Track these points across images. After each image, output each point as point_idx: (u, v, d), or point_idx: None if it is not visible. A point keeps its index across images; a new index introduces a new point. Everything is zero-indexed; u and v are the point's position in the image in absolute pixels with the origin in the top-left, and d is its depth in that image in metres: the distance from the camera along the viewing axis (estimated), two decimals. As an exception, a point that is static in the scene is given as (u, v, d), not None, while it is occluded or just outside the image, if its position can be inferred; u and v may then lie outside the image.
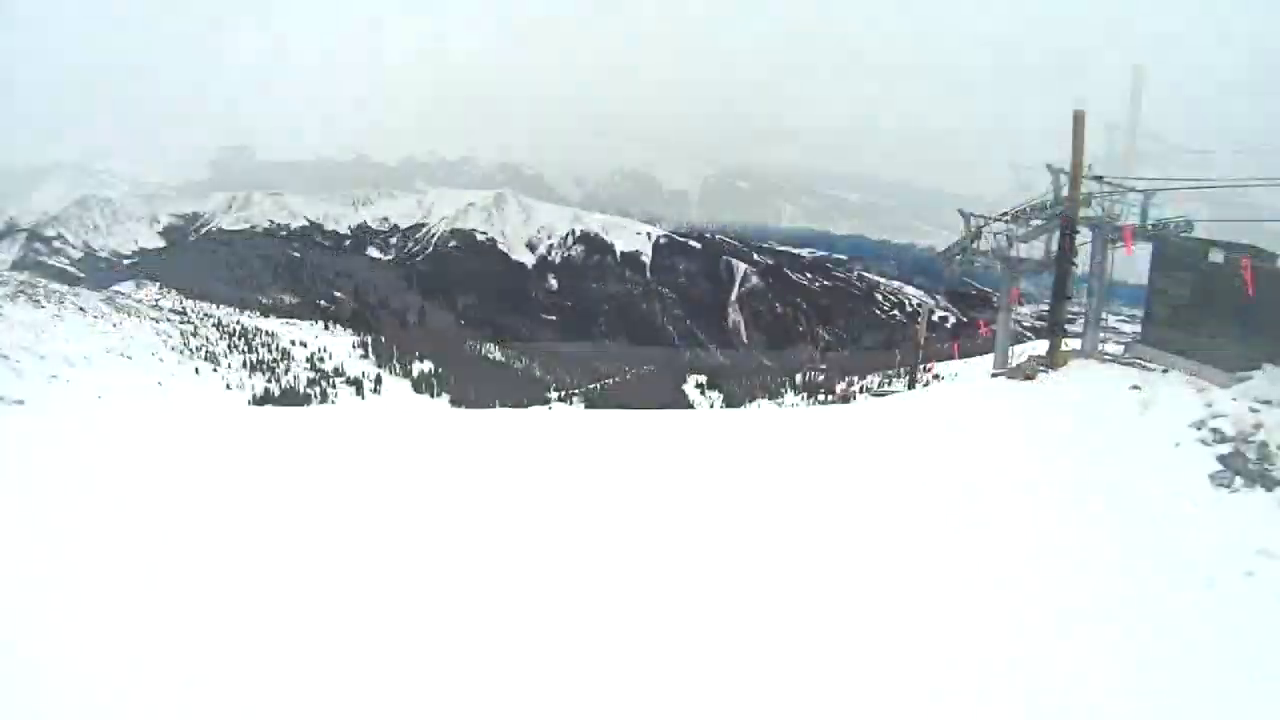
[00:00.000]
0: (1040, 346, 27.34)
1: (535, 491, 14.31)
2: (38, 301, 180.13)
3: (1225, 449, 13.61)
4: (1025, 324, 29.83)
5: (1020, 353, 29.04)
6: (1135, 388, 17.52)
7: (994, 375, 22.64)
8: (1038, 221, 25.79)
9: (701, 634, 8.50)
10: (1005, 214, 27.21)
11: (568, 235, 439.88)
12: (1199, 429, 14.60)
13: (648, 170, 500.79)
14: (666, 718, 7.01)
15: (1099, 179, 22.81)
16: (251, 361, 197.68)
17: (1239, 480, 12.69)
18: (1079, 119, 21.54)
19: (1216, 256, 19.19)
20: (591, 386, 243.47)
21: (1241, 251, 18.96)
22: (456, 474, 15.94)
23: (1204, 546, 11.04)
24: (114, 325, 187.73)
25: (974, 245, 27.86)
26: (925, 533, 12.16)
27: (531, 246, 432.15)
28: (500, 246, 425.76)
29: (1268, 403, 15.15)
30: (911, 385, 38.70)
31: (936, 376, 45.53)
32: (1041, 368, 21.43)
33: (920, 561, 10.96)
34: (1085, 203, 23.18)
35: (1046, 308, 27.39)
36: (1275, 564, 10.25)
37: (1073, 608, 9.54)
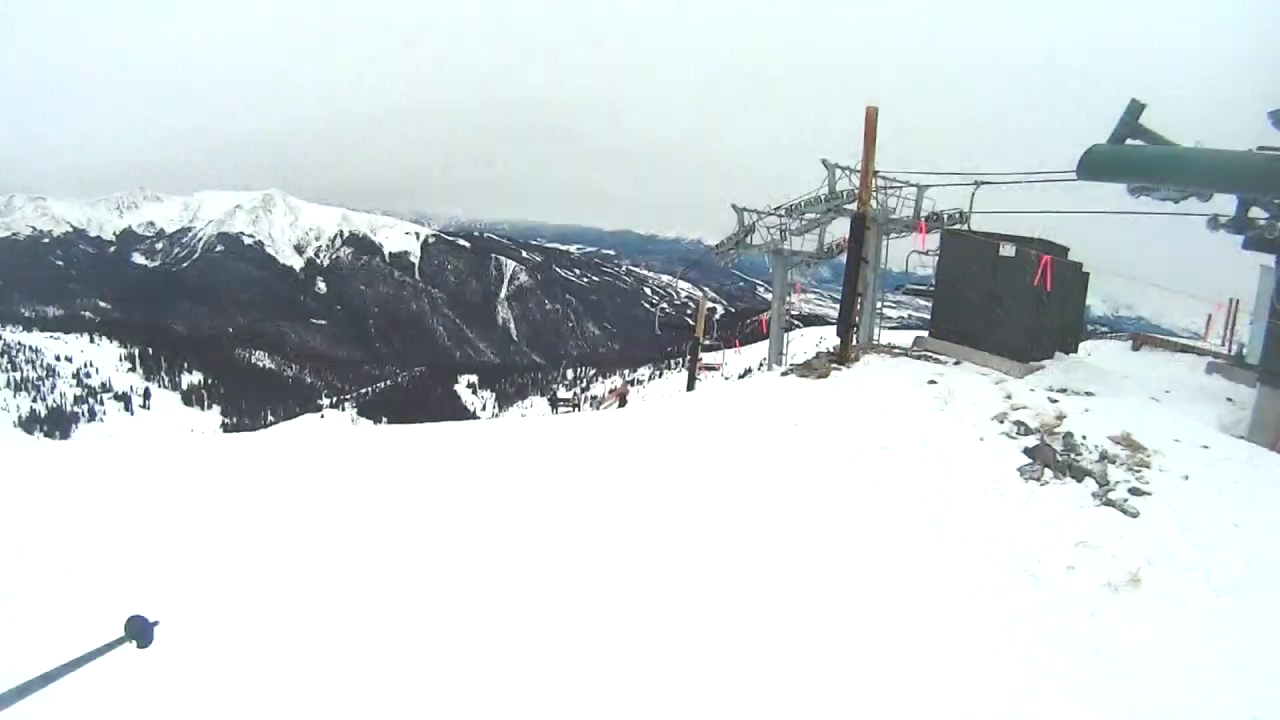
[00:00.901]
0: (809, 336, 27.77)
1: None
2: None
3: (1031, 441, 13.74)
4: (794, 313, 30.25)
5: (789, 341, 29.39)
6: (932, 382, 17.63)
7: (785, 373, 22.32)
8: (812, 215, 26.19)
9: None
10: (779, 208, 27.56)
11: (336, 237, 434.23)
12: (1001, 422, 14.77)
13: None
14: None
15: (876, 174, 23.00)
16: (15, 381, 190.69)
17: (1048, 472, 12.72)
18: (871, 116, 21.49)
19: (1008, 250, 19.76)
20: (363, 392, 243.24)
21: (1030, 245, 19.68)
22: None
23: (1023, 542, 11.00)
24: None
25: (747, 239, 28.14)
26: (735, 544, 11.84)
27: (300, 249, 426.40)
28: (268, 250, 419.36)
29: (1064, 390, 16.00)
30: (691, 384, 38.56)
31: (708, 368, 45.63)
32: (834, 364, 21.16)
33: (731, 573, 10.81)
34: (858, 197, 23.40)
35: (819, 298, 27.92)
36: (1096, 554, 10.29)
37: (896, 614, 9.59)
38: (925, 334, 22.16)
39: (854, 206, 23.88)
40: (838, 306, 23.18)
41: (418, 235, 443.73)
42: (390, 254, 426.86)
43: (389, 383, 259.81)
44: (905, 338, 23.16)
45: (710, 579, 10.54)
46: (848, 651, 8.72)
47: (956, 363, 19.25)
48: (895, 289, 25.91)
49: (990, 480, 12.85)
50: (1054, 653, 8.69)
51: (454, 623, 9.50)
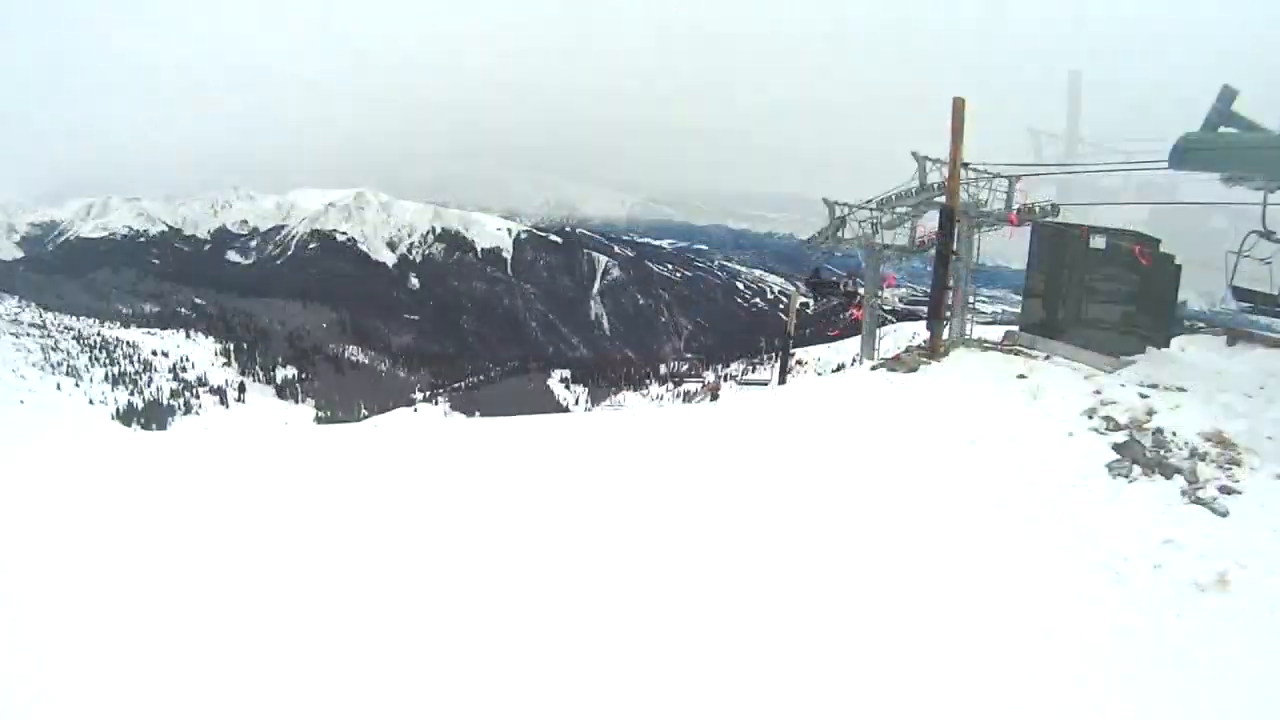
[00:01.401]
0: (903, 331, 27.47)
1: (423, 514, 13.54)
2: None
3: (1120, 437, 13.42)
4: (887, 308, 29.85)
5: (882, 335, 29.06)
6: (1021, 376, 17.41)
7: (874, 367, 22.12)
8: (903, 209, 25.91)
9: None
10: (870, 201, 27.27)
11: (428, 233, 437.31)
12: (1090, 417, 14.48)
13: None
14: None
15: (966, 165, 22.77)
16: (113, 375, 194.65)
17: (1137, 469, 12.40)
18: (958, 106, 21.31)
19: (1098, 243, 19.32)
20: (456, 386, 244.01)
21: (1121, 237, 19.16)
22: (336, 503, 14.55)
23: (1109, 540, 10.74)
24: None
25: (838, 234, 27.88)
26: (822, 531, 11.86)
27: (392, 245, 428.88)
28: (361, 246, 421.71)
29: (1155, 386, 15.20)
30: (783, 377, 38.42)
31: (800, 362, 45.44)
32: (923, 358, 21.08)
33: (816, 561, 10.75)
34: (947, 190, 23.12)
35: (911, 292, 27.52)
36: (1182, 555, 10.04)
37: (981, 608, 9.41)
38: (1015, 328, 21.53)
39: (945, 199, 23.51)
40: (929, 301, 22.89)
41: (509, 230, 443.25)
42: (482, 250, 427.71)
43: (481, 378, 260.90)
44: (998, 333, 22.49)
45: (792, 572, 10.35)
46: (925, 646, 8.48)
47: (1046, 357, 18.72)
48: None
49: (1078, 476, 12.62)
50: (1137, 653, 8.39)
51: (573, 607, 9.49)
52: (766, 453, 16.41)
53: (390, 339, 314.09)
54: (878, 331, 28.45)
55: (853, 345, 40.70)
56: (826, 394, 21.15)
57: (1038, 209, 22.34)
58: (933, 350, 21.51)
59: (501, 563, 10.92)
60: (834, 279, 31.42)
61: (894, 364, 21.40)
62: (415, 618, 9.12)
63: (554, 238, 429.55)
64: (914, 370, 20.42)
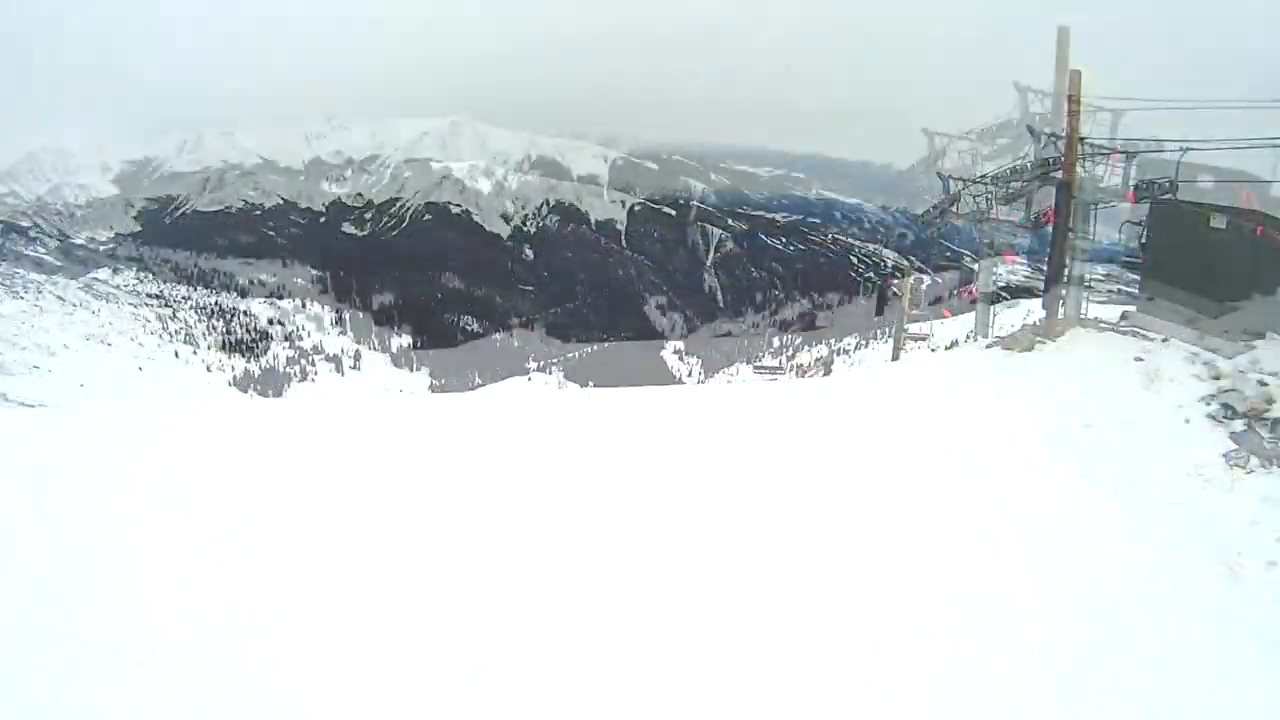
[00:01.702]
0: (1019, 309, 27.30)
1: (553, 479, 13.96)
2: (16, 293, 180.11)
3: (1238, 425, 13.33)
4: (1001, 284, 29.43)
5: (997, 313, 28.81)
6: (1138, 359, 17.13)
7: (988, 346, 22.16)
8: (1018, 184, 25.64)
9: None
10: (970, 132, 27.09)
11: (523, 160, 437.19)
12: (1208, 404, 14.33)
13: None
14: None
15: (1082, 140, 22.20)
16: (230, 343, 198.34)
17: (1254, 460, 12.27)
18: (1076, 81, 21.19)
19: (1219, 222, 18.60)
20: (570, 356, 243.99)
21: (1243, 216, 18.70)
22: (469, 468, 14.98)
23: (1223, 534, 10.70)
24: (93, 313, 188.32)
25: (953, 208, 27.80)
26: (941, 511, 12.13)
27: (488, 174, 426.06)
28: (456, 175, 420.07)
29: (1275, 374, 14.74)
30: (896, 354, 38.60)
31: (915, 338, 45.10)
32: (1038, 338, 21.11)
33: (941, 543, 11.03)
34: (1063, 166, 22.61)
35: (1026, 268, 27.35)
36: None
37: (1091, 600, 9.56)
38: (1133, 309, 21.03)
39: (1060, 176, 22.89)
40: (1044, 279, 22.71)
41: (605, 158, 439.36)
42: (579, 176, 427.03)
43: (595, 348, 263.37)
44: (1114, 312, 22.00)
45: (893, 560, 10.56)
46: (1031, 637, 8.73)
47: (1164, 340, 18.11)
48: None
49: (1193, 465, 12.53)
50: (1248, 652, 8.44)
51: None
52: (877, 431, 16.78)
53: (484, 265, 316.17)
54: (992, 309, 28.31)
55: (967, 321, 40.41)
56: (939, 371, 21.40)
57: (1155, 186, 22.10)
58: (1048, 330, 21.42)
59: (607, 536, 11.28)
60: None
61: (1009, 343, 21.55)
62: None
63: (667, 210, 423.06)
64: (1028, 350, 20.43)
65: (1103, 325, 21.06)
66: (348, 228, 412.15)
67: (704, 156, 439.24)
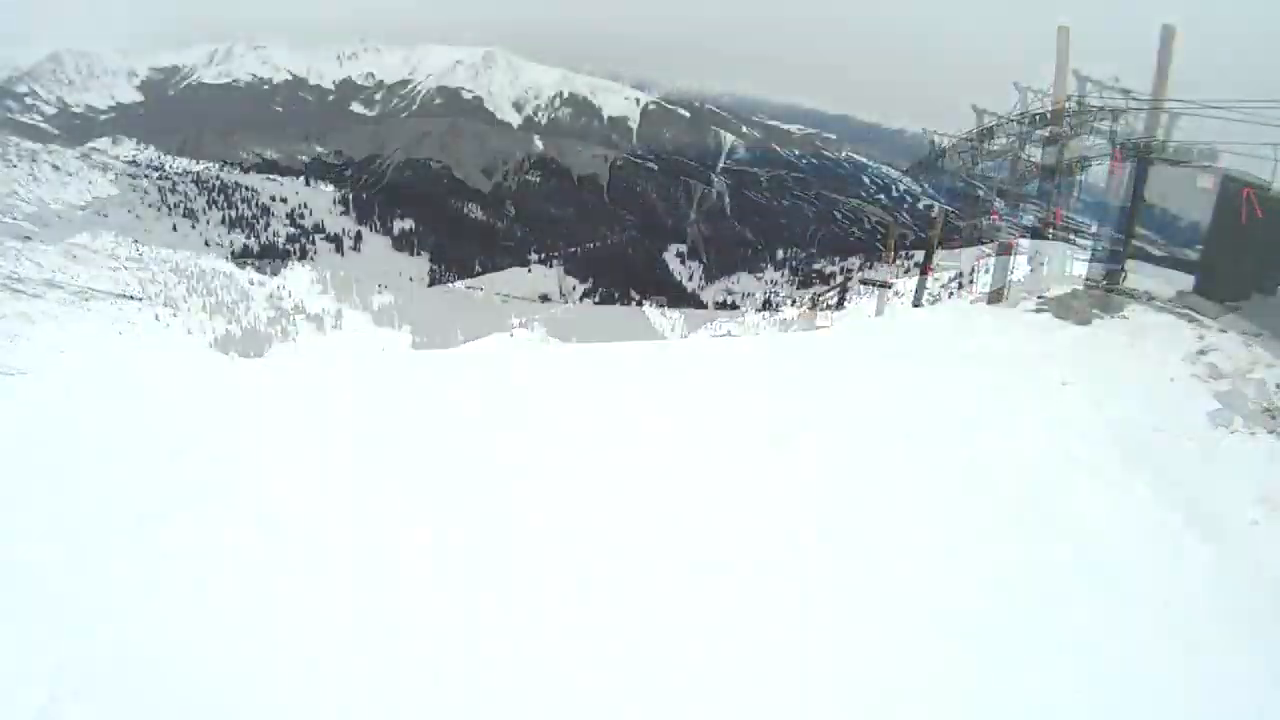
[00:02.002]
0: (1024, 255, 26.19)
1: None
2: (9, 160, 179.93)
3: (1223, 386, 13.48)
4: (1025, 223, 27.81)
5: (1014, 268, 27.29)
6: (1201, 353, 15.49)
7: (1039, 310, 20.86)
8: (1062, 129, 24.09)
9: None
10: (1021, 114, 25.48)
11: (555, 97, 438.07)
12: (1193, 363, 14.65)
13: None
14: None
15: (1127, 92, 21.59)
16: (230, 218, 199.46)
17: (1239, 420, 12.39)
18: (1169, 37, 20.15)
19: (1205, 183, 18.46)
20: (571, 251, 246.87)
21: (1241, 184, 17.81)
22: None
23: (1206, 493, 10.63)
24: (89, 184, 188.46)
25: (984, 146, 26.28)
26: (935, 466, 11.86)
27: (518, 107, 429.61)
28: (487, 105, 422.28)
29: (1258, 335, 15.38)
30: (918, 298, 36.83)
31: (883, 285, 43.52)
32: (1095, 310, 19.73)
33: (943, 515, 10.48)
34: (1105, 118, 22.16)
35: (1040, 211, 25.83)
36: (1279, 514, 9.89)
37: (1077, 556, 9.39)
38: (1188, 290, 19.50)
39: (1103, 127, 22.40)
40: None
41: (638, 101, 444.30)
42: (609, 118, 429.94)
43: (597, 244, 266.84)
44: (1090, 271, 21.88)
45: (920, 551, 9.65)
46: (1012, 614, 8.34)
47: (1222, 330, 16.55)
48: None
49: (1179, 423, 12.56)
50: (1236, 621, 8.21)
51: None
52: (905, 406, 14.96)
53: (509, 197, 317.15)
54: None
55: (967, 257, 39.03)
56: (987, 337, 19.75)
57: (1195, 151, 20.35)
58: (1105, 304, 19.95)
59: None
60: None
61: (1062, 310, 20.24)
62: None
63: (682, 111, 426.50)
64: (1086, 323, 19.15)
65: (1158, 304, 19.54)
66: (357, 107, 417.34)
67: (737, 108, 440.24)
